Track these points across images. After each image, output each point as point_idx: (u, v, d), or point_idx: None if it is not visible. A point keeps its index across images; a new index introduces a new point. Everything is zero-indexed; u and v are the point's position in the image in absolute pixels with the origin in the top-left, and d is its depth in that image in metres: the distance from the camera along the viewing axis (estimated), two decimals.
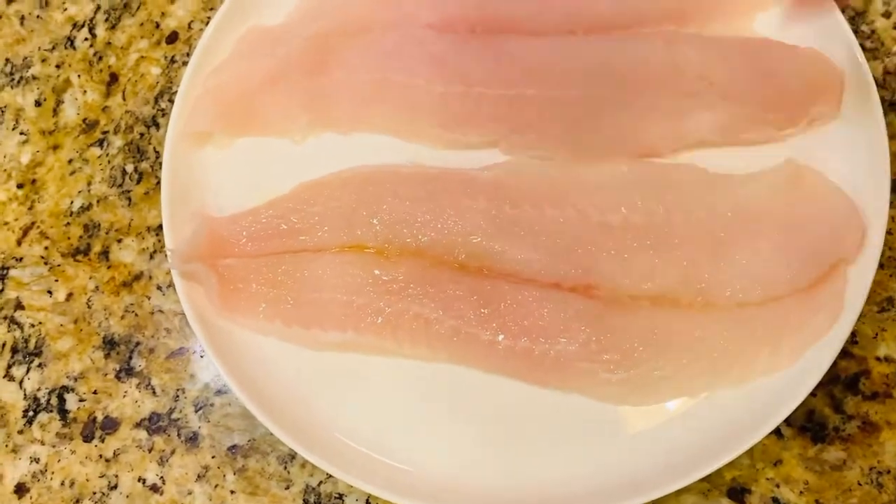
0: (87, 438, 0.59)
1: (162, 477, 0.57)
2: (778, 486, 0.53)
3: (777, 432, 0.53)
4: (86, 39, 0.71)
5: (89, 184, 0.66)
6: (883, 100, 0.57)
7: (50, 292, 0.63)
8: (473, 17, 0.62)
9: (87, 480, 0.58)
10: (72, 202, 0.66)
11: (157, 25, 0.70)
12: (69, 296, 0.63)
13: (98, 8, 0.71)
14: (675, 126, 0.58)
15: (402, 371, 0.55)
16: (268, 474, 0.57)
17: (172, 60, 0.69)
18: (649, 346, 0.52)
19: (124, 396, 0.60)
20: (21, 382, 0.61)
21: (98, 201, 0.65)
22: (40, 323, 0.63)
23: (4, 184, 0.67)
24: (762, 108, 0.57)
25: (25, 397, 0.61)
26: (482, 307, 0.54)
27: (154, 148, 0.66)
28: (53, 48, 0.71)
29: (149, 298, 0.62)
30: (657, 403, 0.53)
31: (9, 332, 0.63)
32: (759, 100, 0.57)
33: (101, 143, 0.67)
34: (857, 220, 0.53)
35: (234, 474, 0.57)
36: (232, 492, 0.56)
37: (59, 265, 0.64)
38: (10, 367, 0.62)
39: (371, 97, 0.61)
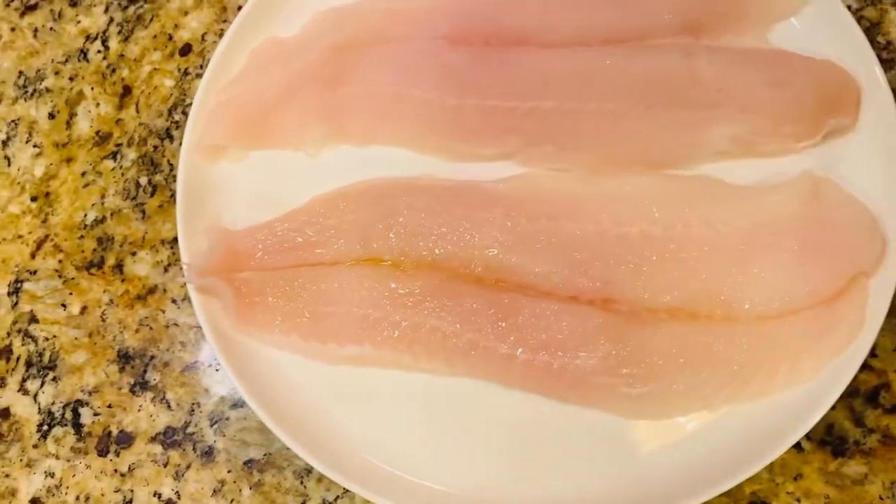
0: (102, 453, 0.59)
1: (177, 492, 0.57)
2: (798, 500, 0.52)
3: (797, 446, 0.53)
4: (99, 52, 0.71)
5: (103, 196, 0.66)
6: None
7: (64, 305, 0.63)
8: (488, 30, 0.62)
9: (102, 495, 0.58)
10: (85, 215, 0.65)
11: (171, 37, 0.70)
12: (83, 309, 0.63)
13: (111, 20, 0.71)
14: (692, 138, 0.57)
15: (420, 385, 0.55)
16: (284, 489, 0.56)
17: (186, 72, 0.69)
18: (669, 360, 0.52)
19: (139, 410, 0.60)
20: (35, 396, 0.61)
21: (112, 214, 0.65)
22: (55, 336, 0.62)
23: (18, 197, 0.67)
24: (780, 120, 0.57)
25: (40, 411, 0.61)
26: (500, 321, 0.54)
27: (168, 160, 0.66)
28: (67, 60, 0.71)
29: (163, 312, 0.62)
30: (677, 417, 0.52)
31: (23, 345, 0.63)
32: (777, 112, 0.57)
33: (114, 155, 0.67)
34: (877, 231, 0.53)
35: (251, 489, 0.57)
36: None
37: (73, 278, 0.64)
38: (24, 380, 0.62)
39: (386, 110, 0.61)
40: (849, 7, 0.62)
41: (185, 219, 0.59)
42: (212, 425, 0.59)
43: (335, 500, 0.56)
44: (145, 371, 0.61)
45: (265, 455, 0.57)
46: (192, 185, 0.60)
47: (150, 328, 0.62)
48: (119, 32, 0.71)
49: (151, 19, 0.71)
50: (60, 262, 0.64)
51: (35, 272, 0.64)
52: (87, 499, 0.58)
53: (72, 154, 0.68)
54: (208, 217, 0.60)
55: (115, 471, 0.58)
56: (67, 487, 0.58)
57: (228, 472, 0.57)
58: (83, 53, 0.71)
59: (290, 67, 0.62)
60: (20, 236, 0.66)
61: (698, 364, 0.51)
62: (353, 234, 0.57)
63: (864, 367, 0.54)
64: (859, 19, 0.62)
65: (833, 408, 0.52)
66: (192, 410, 0.59)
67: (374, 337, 0.55)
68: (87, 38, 0.71)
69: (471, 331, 0.54)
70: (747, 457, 0.50)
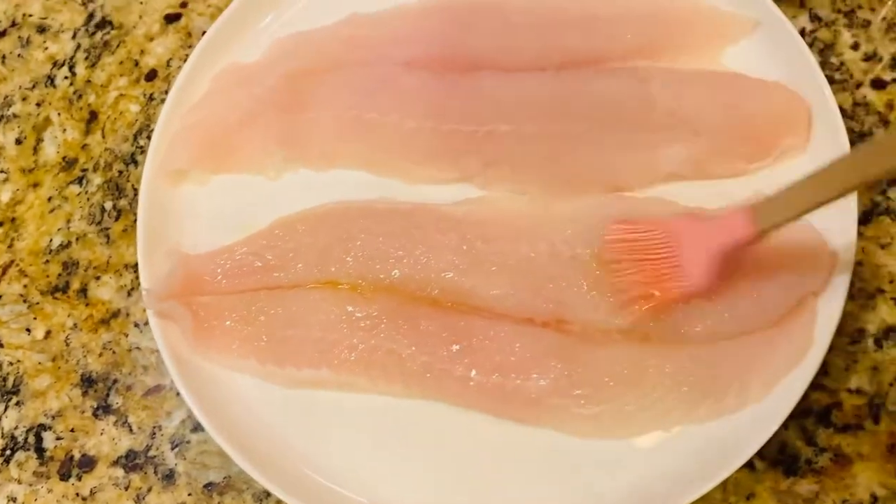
0: (65, 477, 0.59)
1: None
2: None
3: (750, 465, 0.53)
4: (66, 78, 0.71)
5: (68, 221, 0.66)
6: (851, 131, 0.58)
7: (28, 330, 0.64)
8: (446, 55, 0.62)
9: None
10: (51, 240, 0.66)
11: (137, 63, 0.71)
12: (48, 333, 0.63)
13: (78, 46, 0.72)
14: (646, 160, 0.58)
15: (377, 408, 0.55)
16: None
17: (151, 98, 0.69)
18: (620, 380, 0.52)
19: (101, 434, 0.60)
20: None
21: (77, 239, 0.66)
22: (18, 361, 0.63)
23: None
24: (732, 142, 0.57)
25: (3, 436, 0.61)
26: (455, 343, 0.54)
27: (133, 185, 0.67)
28: (34, 86, 0.72)
29: (126, 336, 0.62)
30: (629, 437, 0.53)
31: None
32: (729, 133, 0.58)
33: (80, 180, 0.68)
34: (826, 252, 0.53)
35: None
36: None
37: (37, 303, 0.64)
38: None
39: (345, 134, 0.61)
40: (802, 29, 0.63)
41: (147, 243, 0.59)
42: (173, 448, 0.59)
43: None
44: (108, 395, 0.61)
45: (225, 478, 0.58)
46: (153, 209, 0.61)
47: (114, 352, 0.62)
48: (86, 58, 0.72)
49: (118, 45, 0.72)
50: (25, 286, 0.65)
51: (0, 297, 0.65)
52: None
53: (38, 179, 0.68)
54: (169, 241, 0.60)
55: (77, 494, 0.59)
56: None
57: (189, 494, 0.57)
58: (50, 79, 0.72)
59: (251, 92, 0.63)
60: None
61: (649, 385, 0.52)
62: (311, 258, 0.58)
63: (816, 386, 0.55)
64: (813, 41, 0.63)
65: (785, 427, 0.53)
66: (154, 434, 0.60)
67: (331, 360, 0.55)
68: (55, 64, 0.72)
69: (426, 353, 0.55)
70: (699, 476, 0.50)
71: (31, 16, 0.74)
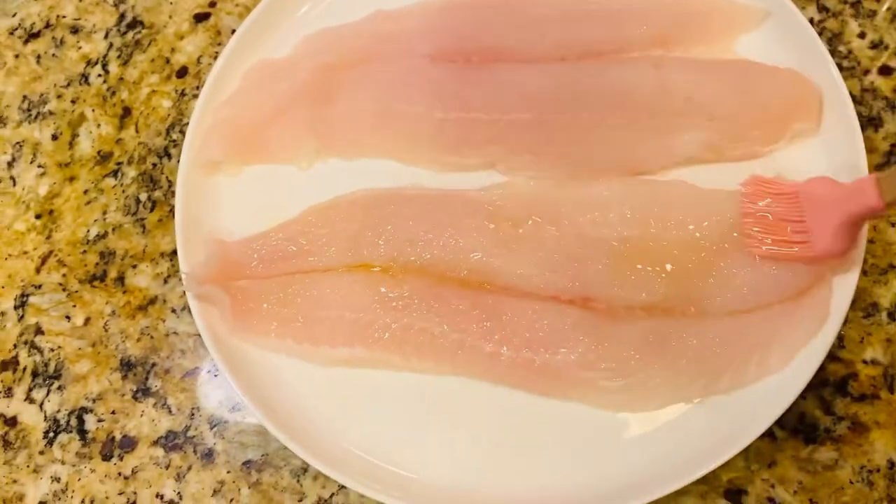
0: (106, 457, 0.61)
1: (179, 493, 0.60)
2: (773, 486, 0.55)
3: (771, 435, 0.55)
4: (99, 76, 0.74)
5: (104, 213, 0.69)
6: (861, 115, 0.60)
7: (68, 317, 0.66)
8: (469, 48, 0.65)
9: (107, 498, 0.60)
10: (88, 231, 0.68)
11: (168, 61, 0.73)
12: (87, 320, 0.66)
13: (111, 45, 0.75)
14: (664, 145, 0.60)
15: (410, 384, 0.58)
16: (281, 487, 0.59)
17: (182, 94, 0.72)
18: (645, 353, 0.54)
19: (141, 416, 0.62)
20: (41, 405, 0.64)
21: (113, 229, 0.68)
22: (59, 347, 0.65)
23: (23, 215, 0.70)
24: (746, 126, 0.60)
25: (46, 419, 0.63)
26: (484, 321, 0.56)
27: (166, 177, 0.69)
28: (68, 84, 0.74)
29: (163, 321, 0.64)
30: (655, 409, 0.55)
31: (29, 356, 0.65)
32: (743, 118, 0.60)
33: (115, 173, 0.70)
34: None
35: (249, 488, 0.59)
36: None
37: (76, 291, 0.67)
38: (30, 390, 0.64)
39: (374, 125, 0.64)
40: (811, 19, 0.66)
41: (184, 231, 0.62)
42: (211, 428, 0.61)
43: (330, 497, 0.58)
44: (147, 378, 0.63)
45: (263, 455, 0.60)
46: (189, 199, 0.63)
47: (151, 337, 0.64)
48: (118, 57, 0.74)
49: (149, 44, 0.74)
50: (64, 276, 0.67)
51: (40, 286, 0.67)
52: (93, 501, 0.60)
53: (74, 173, 0.71)
54: (205, 229, 0.62)
55: (119, 474, 0.61)
56: (73, 491, 0.61)
57: (228, 472, 0.60)
58: (84, 77, 0.74)
59: (282, 87, 0.65)
60: (25, 252, 0.68)
61: (673, 357, 0.54)
62: (343, 242, 0.60)
63: (833, 358, 0.57)
64: (821, 30, 0.66)
65: (804, 397, 0.55)
66: (193, 415, 0.62)
67: (366, 339, 0.58)
68: (88, 62, 0.75)
69: (457, 331, 0.57)
70: (722, 444, 0.52)
71: (64, 17, 0.77)
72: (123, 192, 0.69)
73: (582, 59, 0.64)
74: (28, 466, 0.62)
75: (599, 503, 0.53)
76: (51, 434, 0.63)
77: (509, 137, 0.62)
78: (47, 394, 0.64)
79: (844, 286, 0.54)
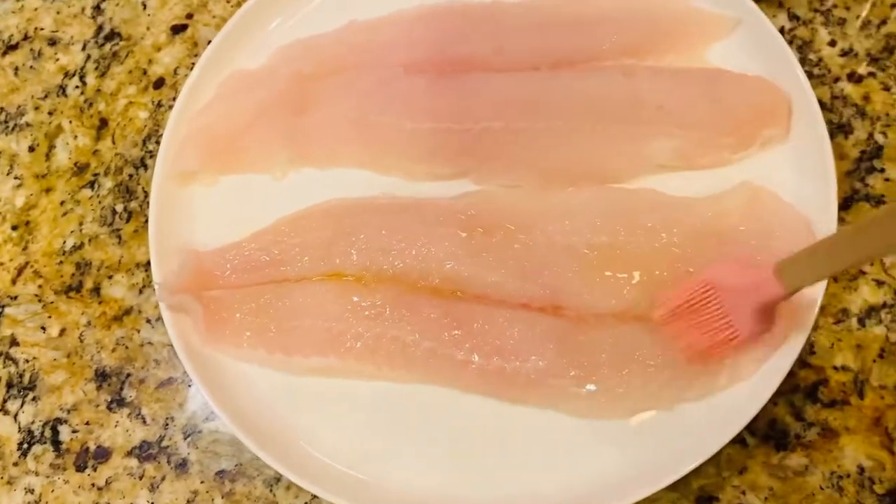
0: (80, 468, 0.61)
1: (153, 503, 0.59)
2: (744, 493, 0.55)
3: (742, 441, 0.56)
4: (77, 87, 0.74)
5: (81, 224, 0.69)
6: (830, 122, 0.61)
7: (44, 328, 0.66)
8: (442, 58, 0.65)
9: None
10: (64, 242, 0.68)
11: (145, 72, 0.74)
12: (62, 331, 0.66)
13: (88, 57, 0.75)
14: (635, 153, 0.61)
15: (383, 393, 0.58)
16: (254, 497, 0.59)
17: (159, 105, 0.72)
18: (615, 360, 0.54)
19: (116, 426, 0.62)
20: (16, 416, 0.64)
21: (89, 240, 0.68)
22: (34, 358, 0.65)
23: (0, 226, 0.70)
24: (716, 134, 0.60)
25: (20, 430, 0.63)
26: (456, 329, 0.57)
27: (143, 188, 0.69)
28: (46, 96, 0.74)
29: (138, 332, 0.65)
30: (625, 416, 0.55)
31: (4, 367, 0.65)
32: (713, 126, 0.60)
33: (91, 184, 0.70)
34: (810, 236, 0.56)
35: (223, 498, 0.59)
36: None
37: (52, 302, 0.67)
38: (5, 401, 0.64)
39: (347, 135, 0.64)
40: (781, 28, 0.66)
41: (158, 241, 0.62)
42: (185, 438, 0.61)
43: None
44: (122, 388, 0.63)
45: (236, 465, 0.60)
46: (164, 209, 0.63)
47: (126, 347, 0.64)
48: (96, 68, 0.75)
49: (127, 55, 0.74)
50: (40, 287, 0.67)
51: (16, 297, 0.67)
52: None
53: (51, 184, 0.71)
54: (180, 240, 0.63)
55: (93, 485, 0.61)
56: (47, 502, 0.61)
57: (201, 482, 0.59)
58: (62, 89, 0.74)
59: (256, 97, 0.66)
60: (1, 263, 0.69)
61: (642, 364, 0.54)
62: (316, 252, 0.60)
63: (804, 364, 0.57)
64: (792, 38, 0.66)
65: (775, 403, 0.55)
66: (167, 425, 0.62)
67: (338, 348, 0.58)
68: (66, 74, 0.75)
69: (429, 339, 0.57)
70: (692, 450, 0.52)
71: (42, 29, 0.77)
72: (100, 203, 0.69)
73: (554, 69, 0.65)
74: (2, 478, 0.62)
75: None
76: (25, 445, 0.63)
77: (481, 147, 0.62)
78: (22, 405, 0.64)
79: (813, 293, 0.54)
